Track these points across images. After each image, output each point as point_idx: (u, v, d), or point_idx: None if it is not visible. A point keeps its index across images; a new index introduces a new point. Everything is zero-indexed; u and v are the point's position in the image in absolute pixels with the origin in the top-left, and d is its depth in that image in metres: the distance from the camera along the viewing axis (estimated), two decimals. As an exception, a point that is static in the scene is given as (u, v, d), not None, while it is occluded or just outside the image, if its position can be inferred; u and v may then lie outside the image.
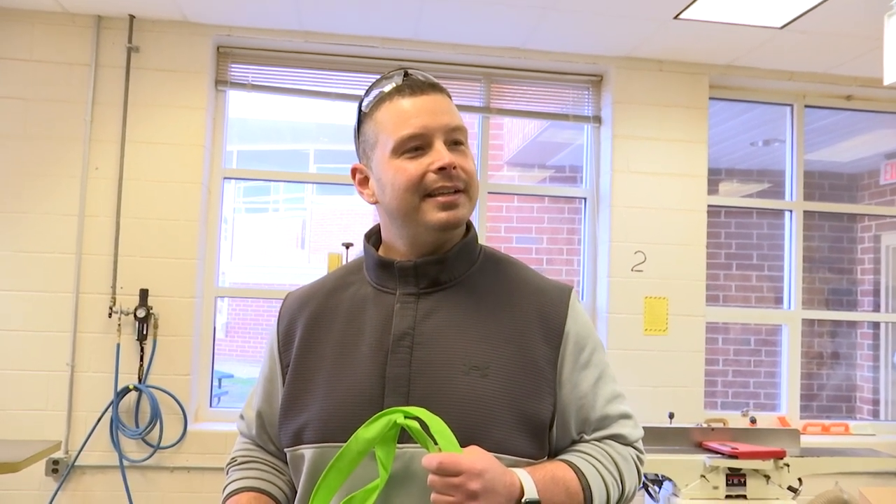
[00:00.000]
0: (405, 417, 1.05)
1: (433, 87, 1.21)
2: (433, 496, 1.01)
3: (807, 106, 4.25)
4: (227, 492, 1.26)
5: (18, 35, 3.51)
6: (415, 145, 1.17)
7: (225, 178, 3.81)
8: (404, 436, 1.08)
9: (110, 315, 3.46)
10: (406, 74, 1.23)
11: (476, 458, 1.02)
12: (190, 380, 3.55)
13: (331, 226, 12.74)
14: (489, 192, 4.02)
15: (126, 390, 3.44)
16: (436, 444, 1.03)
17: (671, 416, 3.45)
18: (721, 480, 3.06)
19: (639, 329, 3.80)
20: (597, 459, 1.18)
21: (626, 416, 1.25)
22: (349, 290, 1.27)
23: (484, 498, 1.00)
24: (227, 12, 3.51)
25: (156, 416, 3.44)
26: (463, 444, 1.04)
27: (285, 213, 13.95)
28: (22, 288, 3.45)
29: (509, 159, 5.40)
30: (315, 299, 1.28)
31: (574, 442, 1.22)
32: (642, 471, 1.27)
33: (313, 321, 1.25)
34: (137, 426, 3.47)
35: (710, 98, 3.99)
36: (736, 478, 3.07)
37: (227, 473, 1.31)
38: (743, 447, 3.12)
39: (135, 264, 3.51)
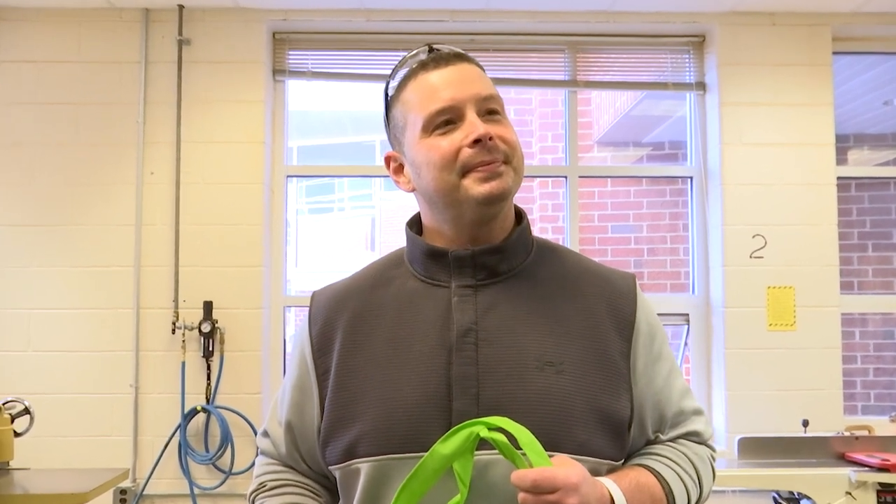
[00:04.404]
0: (489, 429, 1.03)
1: (460, 58, 1.23)
2: None
3: (950, 55, 3.98)
4: None
5: (65, 36, 3.58)
6: (445, 119, 1.17)
7: (288, 176, 3.81)
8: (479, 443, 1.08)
9: (174, 331, 3.49)
10: (430, 50, 1.25)
11: (570, 471, 1.01)
12: (261, 398, 3.54)
13: (402, 223, 12.80)
14: (580, 177, 3.90)
15: (194, 412, 3.46)
16: (525, 456, 1.02)
17: (805, 423, 3.27)
18: (871, 498, 2.88)
19: (762, 324, 3.62)
20: (676, 463, 1.21)
21: (698, 413, 1.28)
22: (393, 284, 1.25)
23: None
24: (282, -6, 3.51)
25: (226, 439, 3.46)
26: (544, 447, 1.03)
27: (351, 211, 14.12)
28: (80, 305, 3.50)
29: (600, 138, 5.28)
30: (354, 297, 1.25)
31: (650, 442, 1.24)
32: (716, 470, 1.30)
33: (355, 322, 1.22)
34: (207, 451, 3.49)
35: (834, 52, 3.75)
36: (889, 495, 2.87)
37: (253, 502, 1.27)
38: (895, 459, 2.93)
39: (197, 275, 3.53)
